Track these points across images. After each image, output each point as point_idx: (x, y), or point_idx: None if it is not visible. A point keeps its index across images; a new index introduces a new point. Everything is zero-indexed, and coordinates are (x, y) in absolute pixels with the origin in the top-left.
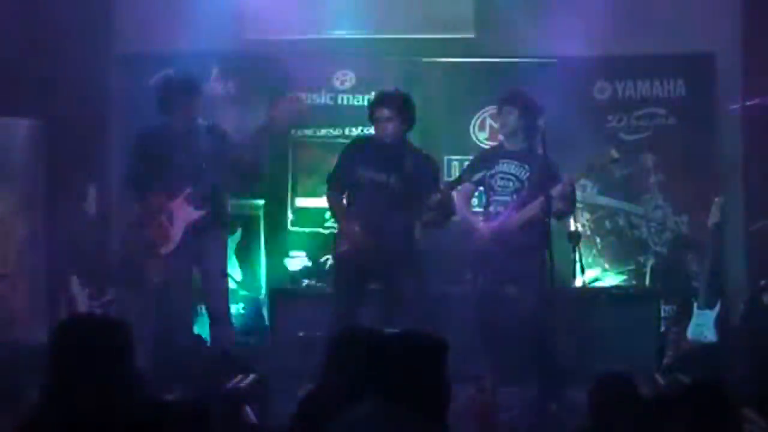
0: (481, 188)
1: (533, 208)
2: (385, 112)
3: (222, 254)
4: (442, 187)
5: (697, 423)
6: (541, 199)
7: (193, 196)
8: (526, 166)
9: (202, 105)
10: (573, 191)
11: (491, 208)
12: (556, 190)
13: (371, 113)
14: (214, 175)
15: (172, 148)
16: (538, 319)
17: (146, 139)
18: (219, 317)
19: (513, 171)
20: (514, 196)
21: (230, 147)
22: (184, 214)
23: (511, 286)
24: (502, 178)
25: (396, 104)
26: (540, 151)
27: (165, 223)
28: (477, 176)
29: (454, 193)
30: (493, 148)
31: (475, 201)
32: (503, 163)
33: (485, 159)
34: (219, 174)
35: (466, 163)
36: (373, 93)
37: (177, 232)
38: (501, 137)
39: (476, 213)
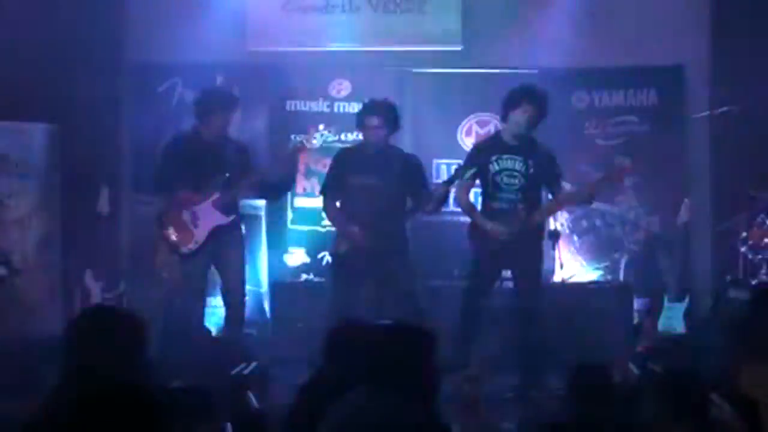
0: (478, 182)
1: (544, 211)
2: (374, 121)
3: (241, 258)
4: (434, 186)
5: (667, 408)
6: (552, 203)
7: (221, 201)
8: (530, 162)
9: (233, 119)
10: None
11: (497, 205)
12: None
13: (361, 121)
14: (239, 184)
15: (202, 154)
16: (536, 312)
17: (179, 142)
18: (235, 317)
19: (518, 168)
20: (519, 194)
21: (256, 164)
22: (211, 218)
23: (516, 280)
24: (508, 176)
25: (384, 112)
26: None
27: (189, 224)
28: (473, 171)
29: (454, 189)
30: (489, 139)
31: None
32: (507, 159)
33: (483, 150)
34: (244, 184)
35: (458, 164)
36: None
37: (201, 235)
38: (498, 128)
39: (482, 210)
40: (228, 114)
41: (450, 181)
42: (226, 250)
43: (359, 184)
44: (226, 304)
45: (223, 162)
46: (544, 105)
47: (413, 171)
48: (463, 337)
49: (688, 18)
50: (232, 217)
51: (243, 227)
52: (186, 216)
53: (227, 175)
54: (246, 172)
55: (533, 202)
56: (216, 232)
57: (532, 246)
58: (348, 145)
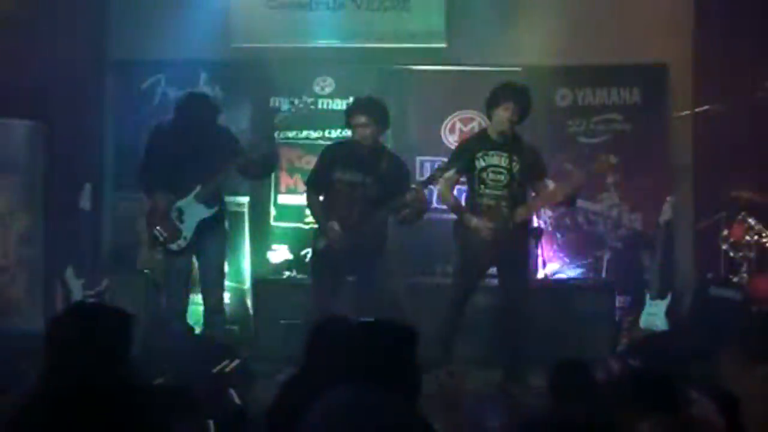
0: (464, 179)
1: (533, 205)
2: (362, 119)
3: (223, 249)
4: (414, 185)
5: (648, 405)
6: (540, 196)
7: (203, 194)
8: (515, 158)
9: (216, 109)
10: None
11: (482, 201)
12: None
13: (349, 119)
14: (221, 174)
15: (181, 147)
16: (520, 311)
17: (157, 138)
18: (215, 308)
19: (503, 164)
20: (505, 191)
21: (240, 147)
22: (195, 212)
23: (502, 276)
24: (493, 172)
25: (372, 110)
26: (526, 142)
27: (175, 220)
28: (458, 166)
29: (438, 186)
30: (475, 136)
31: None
32: (493, 156)
33: (469, 147)
34: (225, 172)
35: (441, 162)
36: (350, 98)
37: (188, 230)
38: (483, 125)
39: (468, 205)
40: (206, 120)
41: (428, 182)
42: (207, 243)
43: (344, 180)
44: (205, 298)
45: (204, 153)
46: (527, 101)
47: (398, 173)
48: (447, 334)
49: (671, 16)
50: (215, 209)
51: (227, 223)
52: (171, 212)
53: (209, 165)
54: (231, 155)
55: (518, 199)
56: (201, 225)
57: (519, 244)
58: (337, 141)
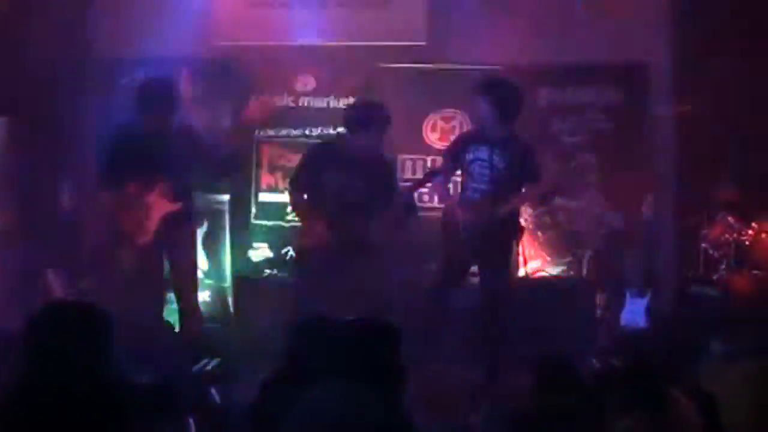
0: (459, 172)
1: (512, 203)
2: (379, 129)
3: (192, 246)
4: (400, 187)
5: (627, 402)
6: (520, 194)
7: (168, 189)
8: (502, 154)
9: (177, 105)
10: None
11: (468, 194)
12: (534, 192)
13: (366, 124)
14: (187, 171)
15: (148, 144)
16: (500, 308)
17: (123, 134)
18: (188, 305)
19: (489, 158)
20: (490, 185)
21: (204, 145)
22: (160, 207)
23: (482, 273)
24: (480, 166)
25: (388, 122)
26: (520, 140)
27: (141, 215)
28: (451, 159)
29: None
30: (472, 130)
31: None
32: (480, 150)
33: (463, 140)
34: (192, 170)
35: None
36: (331, 96)
37: (152, 224)
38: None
39: (455, 198)
40: (167, 101)
41: (415, 184)
42: (175, 239)
43: (334, 181)
44: (177, 296)
45: (170, 149)
46: (506, 97)
47: (386, 174)
48: (428, 331)
49: (652, 16)
50: (180, 204)
51: (206, 223)
52: (138, 208)
53: (175, 161)
54: (195, 153)
55: (505, 195)
56: (166, 220)
57: (500, 240)
58: (323, 140)
